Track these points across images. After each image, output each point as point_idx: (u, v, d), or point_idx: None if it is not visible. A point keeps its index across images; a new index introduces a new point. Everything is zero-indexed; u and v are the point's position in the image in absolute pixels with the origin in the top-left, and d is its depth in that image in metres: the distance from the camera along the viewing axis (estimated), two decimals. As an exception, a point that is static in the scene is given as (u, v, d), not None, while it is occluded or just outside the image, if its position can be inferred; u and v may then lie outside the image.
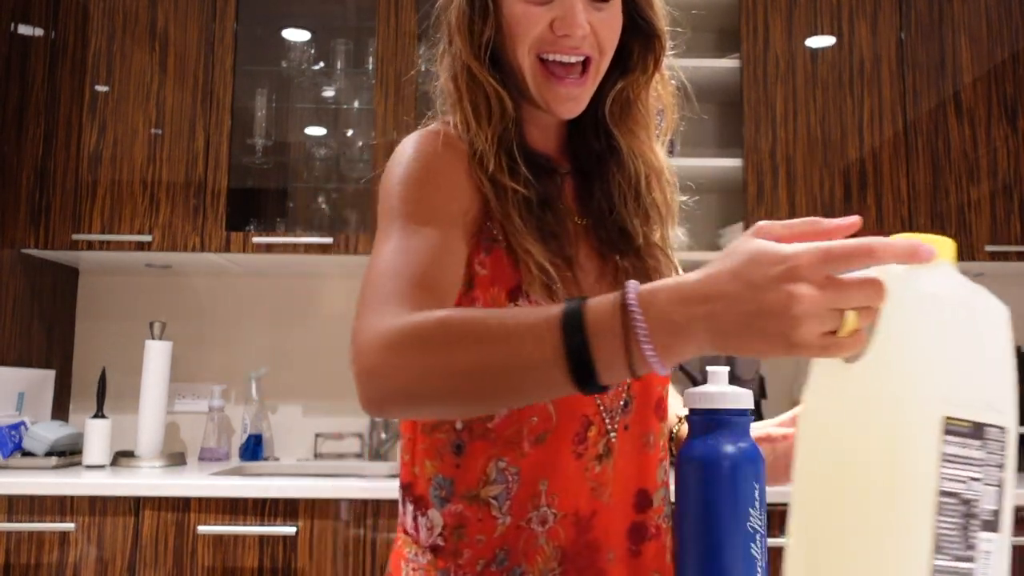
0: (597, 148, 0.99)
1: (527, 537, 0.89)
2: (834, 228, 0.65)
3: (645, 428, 0.95)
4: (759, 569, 0.78)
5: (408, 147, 0.93)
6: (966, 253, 2.42)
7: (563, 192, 0.98)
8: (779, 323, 0.61)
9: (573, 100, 0.92)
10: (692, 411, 0.84)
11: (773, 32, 2.50)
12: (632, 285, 0.65)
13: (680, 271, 0.99)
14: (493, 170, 0.90)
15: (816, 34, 2.51)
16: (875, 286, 0.61)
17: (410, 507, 0.94)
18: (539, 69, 0.91)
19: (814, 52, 2.50)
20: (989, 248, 2.41)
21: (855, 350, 0.61)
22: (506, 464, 0.89)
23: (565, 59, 0.90)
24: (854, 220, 0.65)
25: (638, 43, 0.97)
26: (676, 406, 1.06)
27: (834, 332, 0.61)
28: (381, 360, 0.72)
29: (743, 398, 0.84)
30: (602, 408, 0.91)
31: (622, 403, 0.93)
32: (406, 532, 0.95)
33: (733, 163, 2.49)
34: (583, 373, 0.65)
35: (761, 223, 0.64)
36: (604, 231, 0.97)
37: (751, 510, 0.78)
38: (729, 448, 0.80)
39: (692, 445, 0.83)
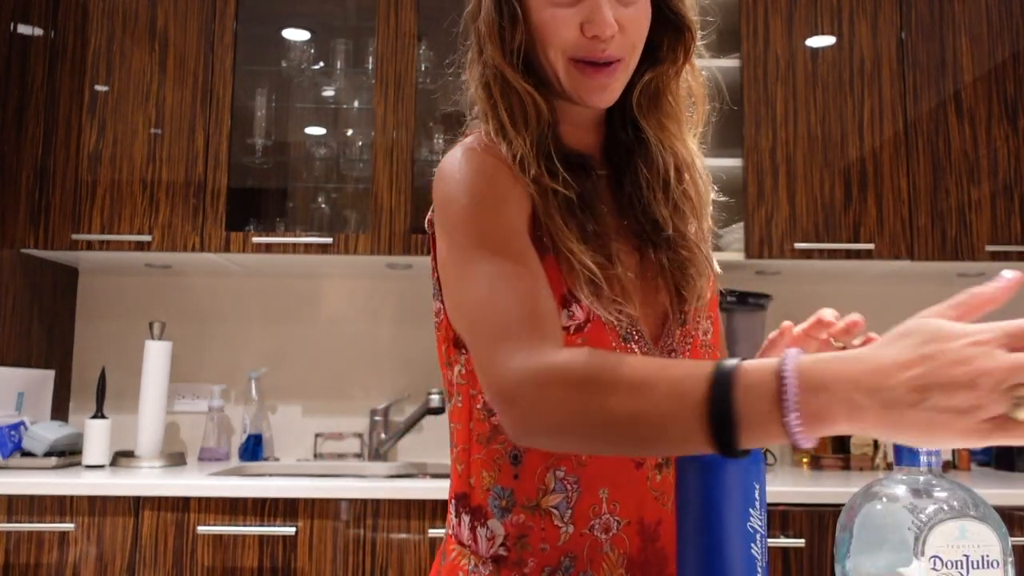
0: (625, 140, 0.99)
1: (592, 544, 0.89)
2: (996, 291, 0.64)
3: None
4: (759, 569, 0.77)
5: (463, 164, 0.91)
6: (966, 253, 2.42)
7: (600, 190, 0.97)
8: (968, 397, 0.57)
9: (605, 90, 0.91)
10: None
11: (773, 32, 2.50)
12: (791, 355, 0.65)
13: (714, 264, 1.00)
14: (535, 174, 0.90)
15: (816, 34, 2.50)
16: None
17: (467, 518, 0.94)
18: (571, 66, 0.91)
19: (814, 52, 2.50)
20: (990, 248, 2.41)
21: None
22: (564, 473, 0.89)
23: (596, 61, 0.90)
24: (1015, 278, 0.63)
25: (667, 35, 0.97)
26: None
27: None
28: (533, 395, 0.74)
29: None
30: None
31: None
32: (462, 544, 0.94)
33: (733, 163, 2.49)
34: (725, 437, 0.65)
35: (927, 312, 0.65)
36: (637, 224, 0.96)
37: (751, 510, 0.77)
38: None
39: None
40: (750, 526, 0.77)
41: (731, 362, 0.66)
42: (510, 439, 0.81)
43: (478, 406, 0.93)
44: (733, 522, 0.77)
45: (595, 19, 0.88)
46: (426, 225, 0.99)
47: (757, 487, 0.79)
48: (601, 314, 0.89)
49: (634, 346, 0.91)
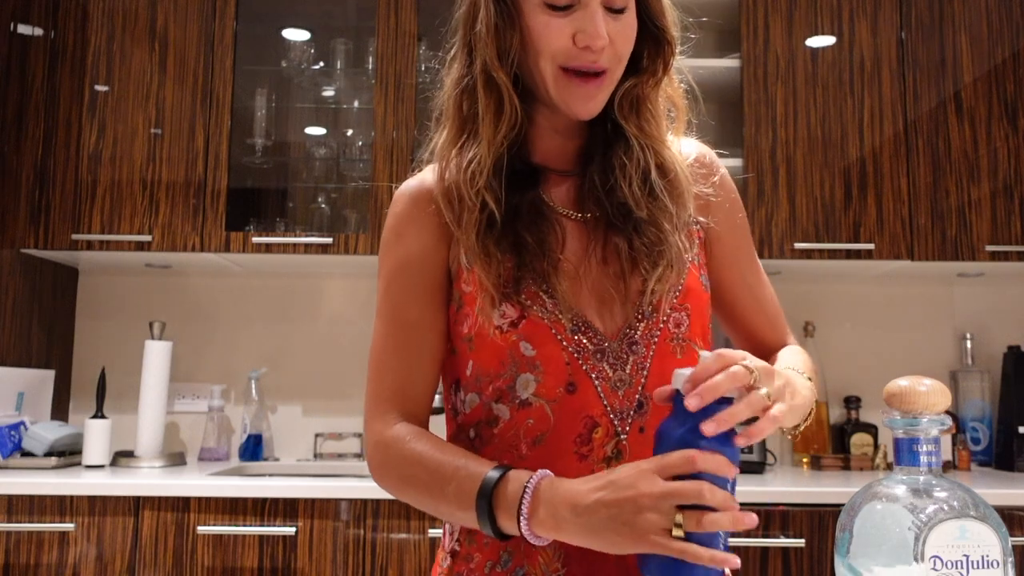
0: (605, 138, 1.00)
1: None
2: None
3: None
4: (724, 547, 0.81)
5: (389, 213, 1.05)
6: (966, 253, 2.42)
7: (551, 192, 1.00)
8: (633, 512, 0.78)
9: (591, 100, 0.94)
10: (677, 392, 0.82)
11: (773, 32, 2.50)
12: (539, 475, 0.85)
13: (695, 248, 1.00)
14: (480, 185, 0.95)
15: (816, 34, 2.50)
16: (699, 488, 0.77)
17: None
18: (560, 75, 0.93)
19: (814, 52, 2.50)
20: (989, 248, 2.41)
21: (699, 555, 0.77)
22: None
23: (586, 71, 0.93)
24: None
25: (649, 48, 0.99)
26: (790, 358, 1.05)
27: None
28: (370, 464, 0.99)
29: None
30: (610, 409, 0.92)
31: (636, 404, 0.93)
32: (441, 539, 1.05)
33: (733, 163, 2.49)
34: (492, 528, 0.86)
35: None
36: (603, 214, 0.98)
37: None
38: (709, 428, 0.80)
39: (670, 425, 0.82)
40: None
41: (496, 473, 0.86)
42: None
43: (449, 407, 1.04)
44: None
45: (588, 30, 0.90)
46: None
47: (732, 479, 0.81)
48: (537, 310, 0.94)
49: (583, 338, 0.93)
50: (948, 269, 2.58)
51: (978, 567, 0.74)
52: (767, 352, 1.07)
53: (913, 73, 2.49)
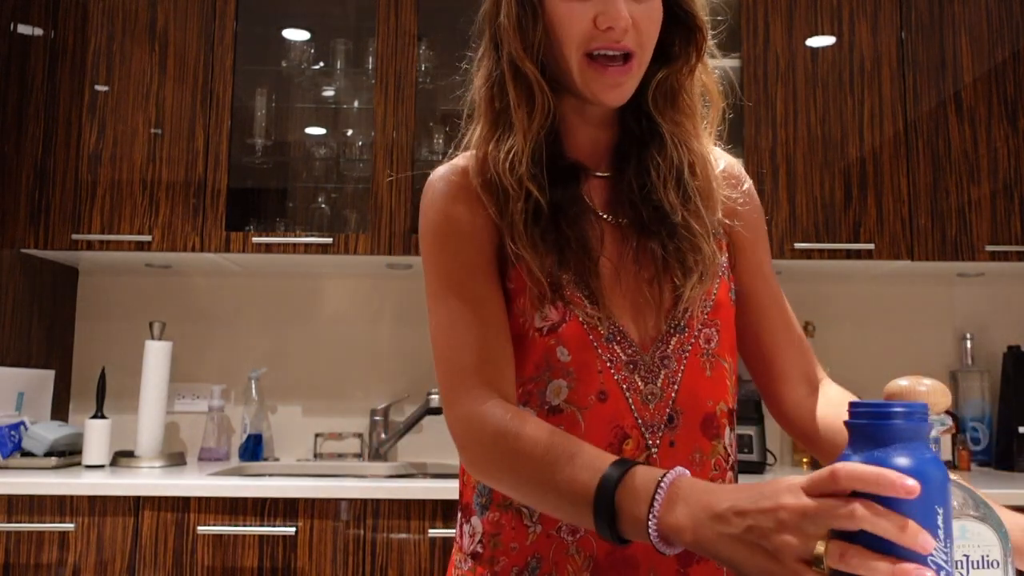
0: (638, 134, 0.99)
1: (557, 546, 0.90)
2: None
3: (692, 446, 0.93)
4: None
5: (431, 198, 0.99)
6: (967, 253, 2.42)
7: (589, 194, 0.98)
8: (766, 540, 0.66)
9: (618, 87, 0.93)
10: (853, 415, 0.68)
11: (773, 32, 2.50)
12: (676, 471, 0.74)
13: (723, 257, 0.99)
14: (521, 173, 0.92)
15: (816, 34, 2.50)
16: (852, 510, 0.62)
17: (460, 515, 1.00)
18: (586, 63, 0.92)
19: (814, 52, 2.50)
20: (989, 248, 2.41)
21: None
22: None
23: (610, 52, 0.91)
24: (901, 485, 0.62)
25: (679, 35, 0.98)
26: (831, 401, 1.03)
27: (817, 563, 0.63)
28: (462, 447, 0.89)
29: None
30: (640, 422, 0.91)
31: (666, 418, 0.92)
32: (458, 540, 1.00)
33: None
34: (607, 529, 0.75)
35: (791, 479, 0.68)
36: (638, 218, 0.96)
37: (933, 541, 0.63)
38: (903, 462, 0.64)
39: (851, 457, 0.66)
40: (932, 561, 0.62)
41: (621, 466, 0.76)
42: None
43: None
44: (909, 557, 0.62)
45: (608, 11, 0.89)
46: None
47: (941, 512, 0.63)
48: (579, 314, 0.92)
49: (617, 348, 0.92)
50: (948, 269, 2.58)
51: (978, 567, 0.73)
52: (787, 377, 1.05)
53: (913, 73, 2.49)
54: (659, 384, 0.93)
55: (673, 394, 0.92)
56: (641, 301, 0.95)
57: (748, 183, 1.07)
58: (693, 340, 0.95)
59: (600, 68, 0.91)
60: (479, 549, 0.95)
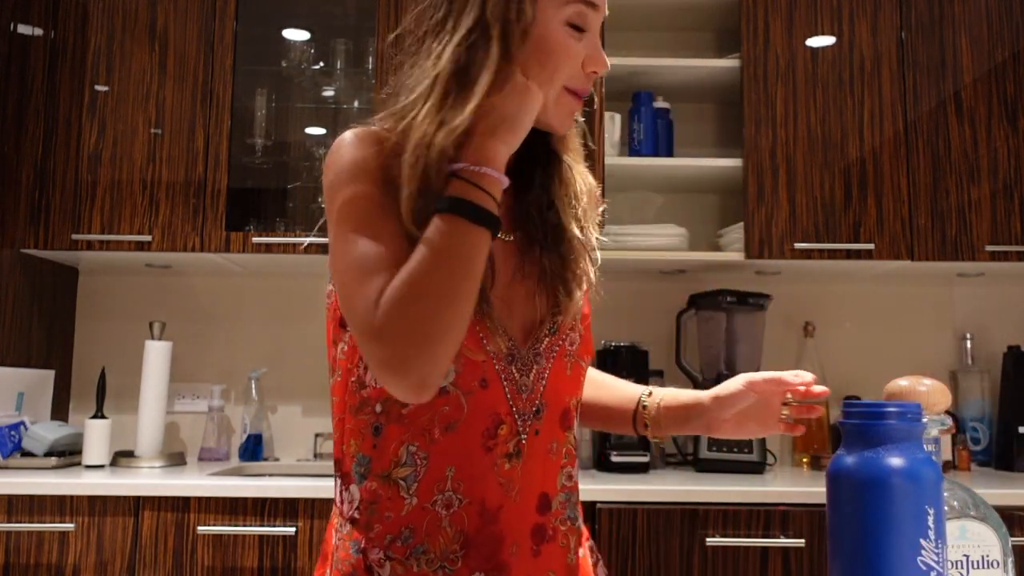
0: (539, 155, 1.06)
1: (431, 518, 0.95)
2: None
3: (552, 436, 1.02)
4: None
5: (337, 148, 1.02)
6: (967, 253, 2.42)
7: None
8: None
9: (573, 118, 1.04)
10: (846, 414, 0.69)
11: (773, 32, 2.50)
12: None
13: (591, 276, 1.08)
14: (440, 150, 0.92)
15: (816, 34, 2.50)
16: None
17: (338, 481, 1.03)
18: (565, 94, 0.99)
19: (814, 52, 2.50)
20: (989, 248, 2.41)
21: None
22: (416, 448, 0.96)
23: (583, 95, 1.01)
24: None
25: None
26: (622, 386, 1.22)
27: None
28: (375, 321, 0.85)
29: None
30: (515, 410, 0.98)
31: (535, 409, 1.00)
32: (338, 505, 1.04)
33: (733, 163, 2.49)
34: (467, 213, 0.86)
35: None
36: (532, 230, 1.05)
37: (923, 541, 0.64)
38: (895, 462, 0.65)
39: (844, 457, 0.67)
40: (922, 561, 0.63)
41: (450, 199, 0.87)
42: (391, 393, 0.88)
43: (352, 379, 1.00)
44: (899, 556, 0.63)
45: (597, 58, 0.99)
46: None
47: (932, 512, 0.64)
48: None
49: (499, 340, 0.98)
50: (948, 269, 2.58)
51: (978, 567, 0.73)
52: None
53: (913, 73, 2.49)
54: (531, 377, 1.00)
55: (541, 388, 1.01)
56: (523, 304, 1.03)
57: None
58: (560, 342, 1.03)
59: (576, 102, 1.00)
60: (356, 515, 0.99)
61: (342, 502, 1.02)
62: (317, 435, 2.70)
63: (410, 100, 0.97)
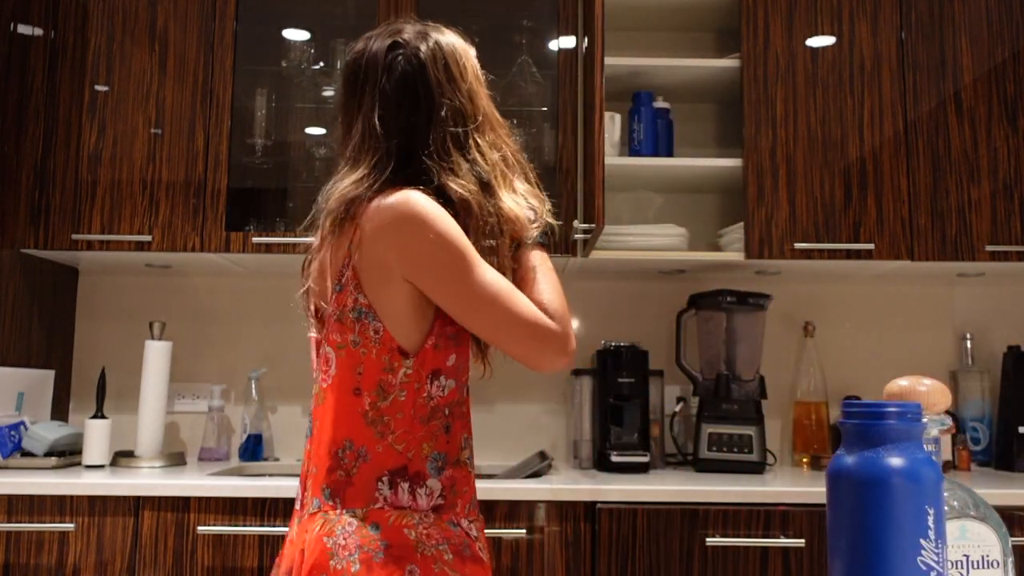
0: None
1: (472, 478, 1.29)
2: None
3: None
4: None
5: (425, 202, 1.21)
6: (967, 253, 2.42)
7: None
8: None
9: None
10: (846, 415, 0.69)
11: (773, 32, 2.50)
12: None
13: None
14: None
15: (816, 34, 2.50)
16: None
17: (405, 485, 1.21)
18: None
19: (814, 52, 2.50)
20: (990, 248, 2.41)
21: None
22: (468, 434, 1.30)
23: None
24: None
25: None
26: None
27: None
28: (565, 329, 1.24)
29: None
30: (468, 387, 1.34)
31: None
32: (398, 507, 1.21)
33: (733, 163, 2.49)
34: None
35: None
36: None
37: (923, 541, 0.64)
38: (895, 462, 0.65)
39: (844, 457, 0.68)
40: (922, 562, 0.63)
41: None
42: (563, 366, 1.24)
43: (423, 395, 1.23)
44: (899, 556, 0.63)
45: None
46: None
47: (932, 512, 0.64)
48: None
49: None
50: (948, 269, 2.58)
51: (978, 567, 0.73)
52: None
53: (913, 73, 2.49)
54: None
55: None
56: None
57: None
58: None
59: None
60: (440, 502, 1.22)
61: (415, 499, 1.21)
62: (317, 435, 2.70)
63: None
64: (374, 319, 1.21)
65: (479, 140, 1.29)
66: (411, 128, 1.26)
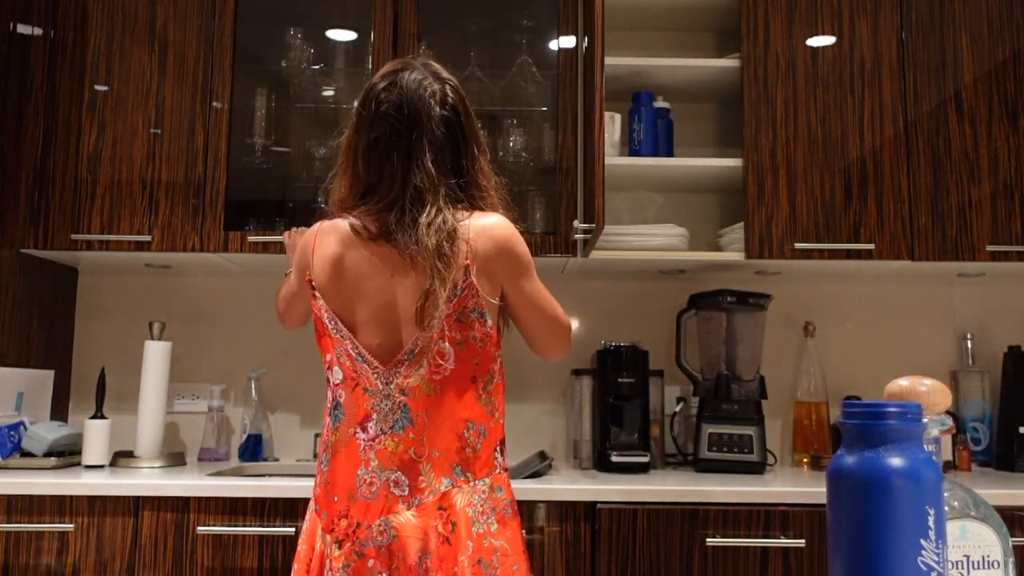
0: None
1: None
2: None
3: None
4: None
5: (513, 226, 1.54)
6: (967, 253, 2.42)
7: None
8: None
9: None
10: (846, 415, 0.70)
11: (773, 32, 2.50)
12: None
13: None
14: None
15: (816, 34, 2.50)
16: None
17: (504, 451, 1.53)
18: None
19: (814, 51, 2.50)
20: (990, 248, 2.41)
21: None
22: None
23: None
24: None
25: None
26: None
27: None
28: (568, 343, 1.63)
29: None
30: None
31: None
32: (506, 470, 1.52)
33: (733, 163, 2.49)
34: None
35: None
36: None
37: (924, 541, 0.63)
38: (896, 462, 0.65)
39: (844, 457, 0.68)
40: (922, 562, 0.63)
41: None
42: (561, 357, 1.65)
43: (504, 377, 1.60)
44: (899, 557, 0.63)
45: None
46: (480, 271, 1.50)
47: (932, 512, 0.64)
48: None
49: None
50: (948, 269, 2.58)
51: (979, 567, 0.73)
52: None
53: (913, 73, 2.49)
54: None
55: None
56: None
57: None
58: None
59: None
60: (503, 471, 1.51)
61: (506, 462, 1.53)
62: (316, 435, 2.70)
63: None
64: (487, 318, 1.48)
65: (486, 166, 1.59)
66: (457, 167, 1.54)
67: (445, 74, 1.57)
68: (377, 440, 1.44)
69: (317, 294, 1.54)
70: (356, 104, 1.57)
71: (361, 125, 1.54)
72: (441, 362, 1.45)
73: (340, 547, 1.42)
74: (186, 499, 2.05)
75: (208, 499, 2.04)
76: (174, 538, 2.04)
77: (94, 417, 2.37)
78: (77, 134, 2.46)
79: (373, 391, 1.46)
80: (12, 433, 2.31)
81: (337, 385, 1.50)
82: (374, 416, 1.45)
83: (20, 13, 2.48)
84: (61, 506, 2.04)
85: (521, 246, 1.52)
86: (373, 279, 1.49)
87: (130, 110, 2.48)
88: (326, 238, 1.58)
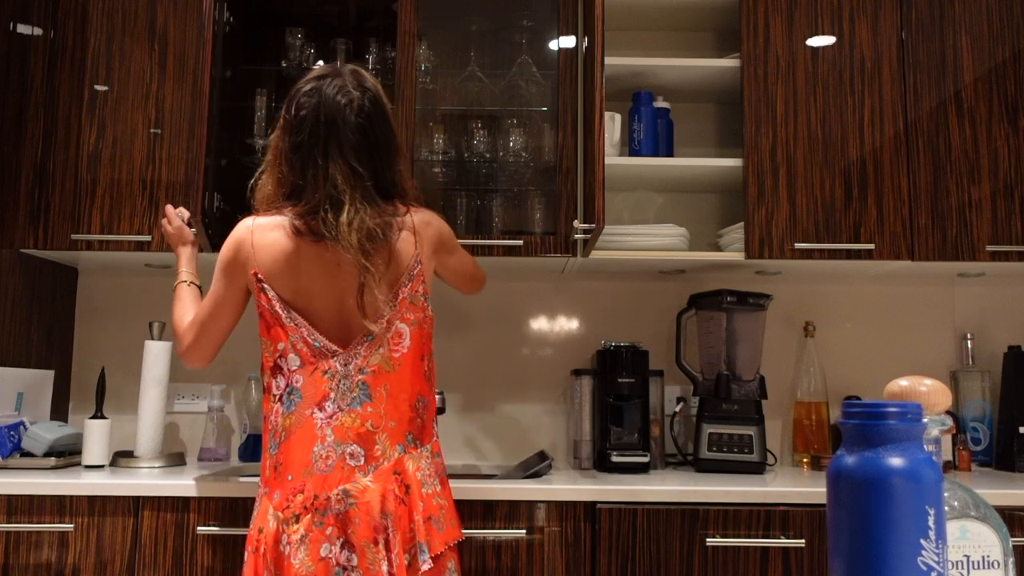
0: None
1: None
2: None
3: None
4: None
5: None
6: (967, 253, 2.42)
7: None
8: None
9: None
10: (846, 415, 0.69)
11: (773, 32, 2.50)
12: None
13: None
14: None
15: (817, 34, 2.50)
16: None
17: (435, 421, 1.71)
18: None
19: (815, 51, 2.50)
20: (990, 248, 2.41)
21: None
22: None
23: None
24: None
25: None
26: None
27: None
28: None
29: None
30: None
31: None
32: (434, 441, 1.69)
33: (733, 163, 2.49)
34: None
35: None
36: None
37: (924, 541, 0.64)
38: (896, 462, 0.65)
39: (844, 457, 0.68)
40: (922, 562, 0.63)
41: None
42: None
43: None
44: (899, 557, 0.63)
45: None
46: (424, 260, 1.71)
47: (932, 512, 0.64)
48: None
49: None
50: (948, 269, 2.58)
51: (979, 567, 0.73)
52: None
53: (913, 73, 2.49)
54: None
55: None
56: None
57: None
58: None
59: None
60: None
61: (434, 435, 1.69)
62: (317, 435, 2.70)
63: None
64: (429, 301, 1.70)
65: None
66: (374, 170, 1.66)
67: (369, 83, 1.68)
68: (334, 417, 1.57)
69: (266, 286, 1.61)
70: (283, 105, 1.67)
71: (286, 128, 1.64)
72: (400, 340, 1.63)
73: (298, 520, 1.52)
74: (186, 499, 2.05)
75: (208, 499, 2.04)
76: (174, 538, 2.04)
77: (94, 417, 2.36)
78: (77, 134, 2.46)
79: (332, 373, 1.59)
80: (12, 433, 2.31)
81: (293, 371, 1.58)
82: (332, 396, 1.58)
83: (20, 13, 2.48)
84: (61, 506, 2.04)
85: (450, 231, 1.78)
86: (322, 275, 1.62)
87: (130, 110, 2.48)
88: (269, 233, 1.64)
